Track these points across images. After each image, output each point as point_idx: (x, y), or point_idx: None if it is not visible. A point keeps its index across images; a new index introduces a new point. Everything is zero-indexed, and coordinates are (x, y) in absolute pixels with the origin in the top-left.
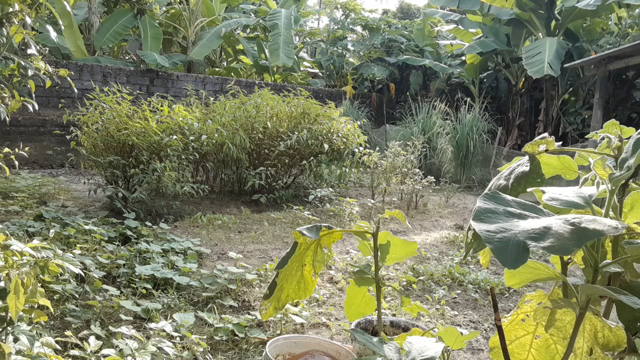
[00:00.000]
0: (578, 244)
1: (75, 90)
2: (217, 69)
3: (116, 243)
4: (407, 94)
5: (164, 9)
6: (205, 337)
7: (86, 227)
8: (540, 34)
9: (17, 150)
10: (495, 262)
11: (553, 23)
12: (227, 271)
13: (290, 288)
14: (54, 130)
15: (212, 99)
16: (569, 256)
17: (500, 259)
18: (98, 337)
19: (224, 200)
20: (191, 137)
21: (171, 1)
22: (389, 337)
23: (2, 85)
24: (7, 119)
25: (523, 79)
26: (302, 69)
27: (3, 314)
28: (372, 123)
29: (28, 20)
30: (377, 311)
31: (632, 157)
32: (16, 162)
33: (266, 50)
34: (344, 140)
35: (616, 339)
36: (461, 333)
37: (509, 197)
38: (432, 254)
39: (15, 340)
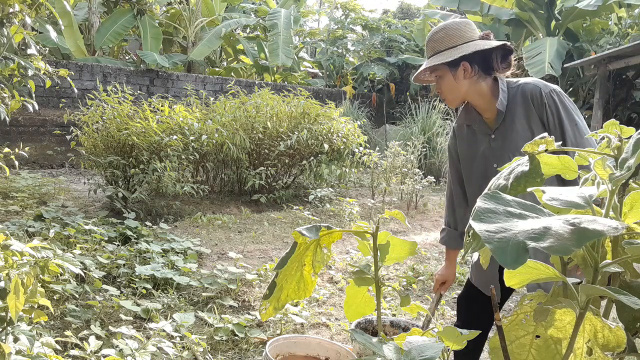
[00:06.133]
0: (578, 244)
1: (76, 90)
2: (217, 69)
3: (116, 243)
4: (407, 94)
5: (164, 9)
6: (205, 337)
7: (86, 227)
8: (540, 34)
9: (17, 150)
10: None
11: (553, 23)
12: (227, 271)
13: (289, 288)
14: (54, 130)
15: (212, 99)
16: (569, 256)
17: (499, 259)
18: (98, 337)
19: (224, 200)
20: (191, 137)
21: (171, 1)
22: (388, 337)
23: (2, 85)
24: (7, 119)
25: None
26: (302, 69)
27: (3, 314)
28: (372, 123)
29: (28, 20)
30: (376, 311)
31: (632, 157)
32: (16, 162)
33: (266, 50)
34: (344, 140)
35: (616, 339)
36: (461, 333)
37: (509, 197)
38: (432, 254)
39: (15, 340)
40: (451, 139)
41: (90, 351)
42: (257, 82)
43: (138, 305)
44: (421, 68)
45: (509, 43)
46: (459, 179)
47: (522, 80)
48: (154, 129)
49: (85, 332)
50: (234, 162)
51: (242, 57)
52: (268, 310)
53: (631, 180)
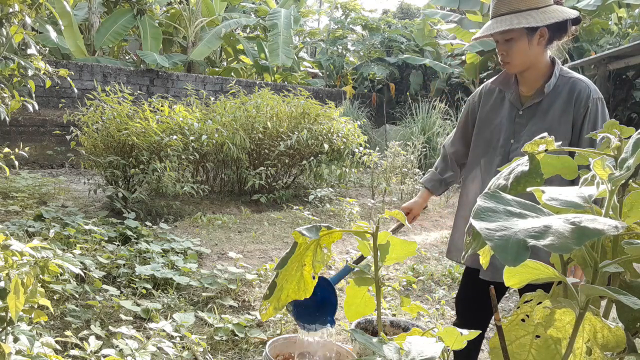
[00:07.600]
0: (578, 243)
1: (75, 90)
2: (217, 69)
3: (116, 243)
4: (407, 94)
5: (164, 9)
6: (205, 337)
7: (86, 227)
8: None
9: (17, 150)
10: None
11: None
12: (227, 271)
13: (290, 288)
14: (54, 130)
15: (212, 99)
16: (569, 256)
17: (500, 256)
18: (98, 337)
19: (224, 200)
20: (191, 137)
21: (171, 1)
22: (388, 337)
23: (2, 85)
24: (7, 119)
25: None
26: (302, 69)
27: (3, 314)
28: (372, 123)
29: (28, 20)
30: (376, 311)
31: (631, 157)
32: (16, 162)
33: (266, 50)
34: (344, 140)
35: (615, 339)
36: (461, 333)
37: (509, 197)
38: (432, 254)
39: (15, 340)
40: (475, 97)
41: (90, 351)
42: (257, 82)
43: (138, 305)
44: (496, 29)
45: (580, 14)
46: (465, 137)
47: (577, 75)
48: (154, 129)
49: (85, 332)
50: (234, 162)
51: (242, 57)
52: (268, 310)
53: (631, 180)
